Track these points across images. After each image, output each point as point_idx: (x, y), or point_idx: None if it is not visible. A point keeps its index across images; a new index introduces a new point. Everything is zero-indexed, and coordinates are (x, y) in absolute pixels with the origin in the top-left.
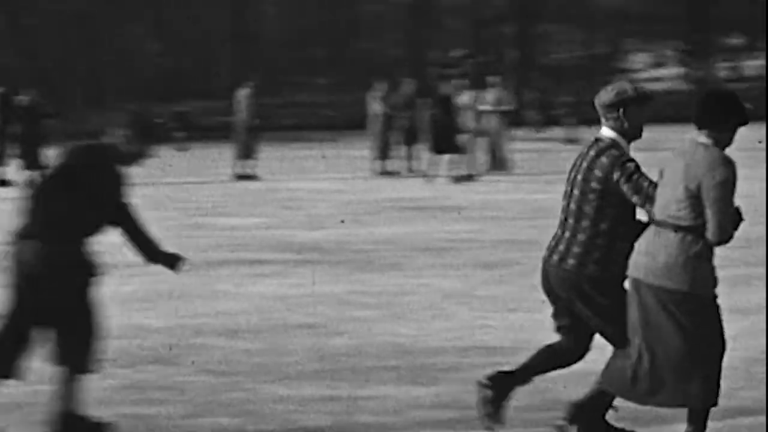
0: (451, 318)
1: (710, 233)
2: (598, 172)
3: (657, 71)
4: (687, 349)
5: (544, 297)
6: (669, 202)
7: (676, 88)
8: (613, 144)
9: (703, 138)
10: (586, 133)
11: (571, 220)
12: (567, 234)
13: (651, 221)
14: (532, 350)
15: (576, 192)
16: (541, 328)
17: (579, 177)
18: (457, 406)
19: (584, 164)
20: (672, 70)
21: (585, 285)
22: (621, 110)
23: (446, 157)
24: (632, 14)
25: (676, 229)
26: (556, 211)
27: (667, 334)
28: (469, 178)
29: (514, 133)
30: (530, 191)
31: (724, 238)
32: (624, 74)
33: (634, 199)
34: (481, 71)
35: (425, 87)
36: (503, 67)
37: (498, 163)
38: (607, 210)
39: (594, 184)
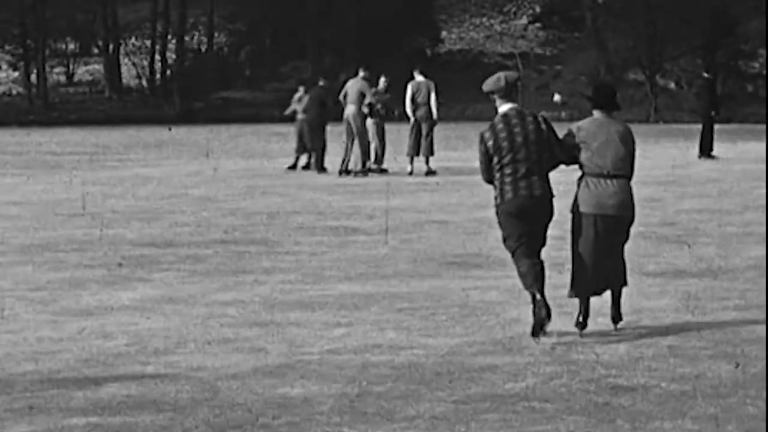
0: None
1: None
2: (544, 127)
3: None
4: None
5: None
6: (617, 160)
7: (11, 91)
8: (530, 111)
9: (604, 114)
10: None
11: (536, 167)
12: (535, 177)
13: (602, 175)
14: None
15: (534, 147)
16: None
17: (533, 136)
18: None
19: (531, 126)
20: (7, 74)
21: (551, 206)
22: (518, 87)
23: None
24: None
25: (624, 176)
26: None
27: (618, 243)
28: None
29: None
30: None
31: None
32: None
33: (558, 149)
34: None
35: None
36: None
37: None
38: (551, 154)
39: (545, 136)
